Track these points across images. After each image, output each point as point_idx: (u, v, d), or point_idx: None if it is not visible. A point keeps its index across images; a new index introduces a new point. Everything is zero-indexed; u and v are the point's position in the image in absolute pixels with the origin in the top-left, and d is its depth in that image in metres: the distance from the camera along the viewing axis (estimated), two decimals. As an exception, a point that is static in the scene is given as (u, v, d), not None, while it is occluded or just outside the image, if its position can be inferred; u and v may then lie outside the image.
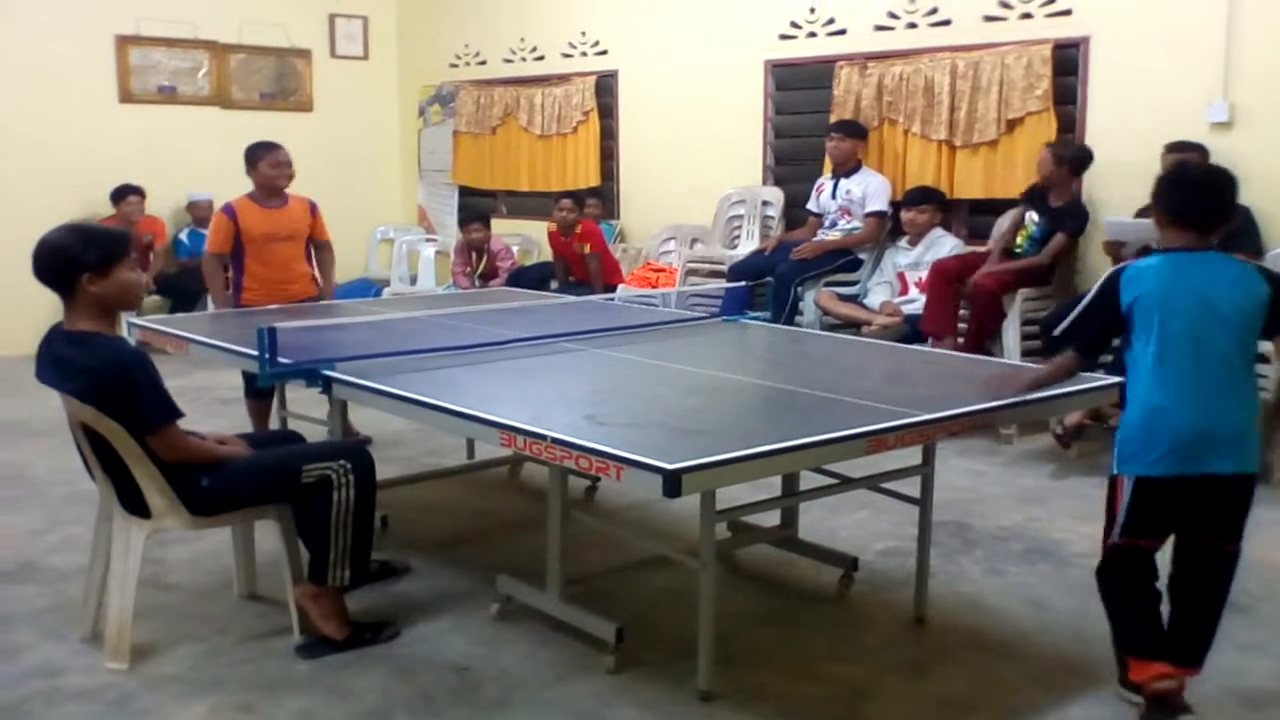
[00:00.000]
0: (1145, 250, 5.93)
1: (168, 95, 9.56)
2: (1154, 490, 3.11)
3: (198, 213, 9.41)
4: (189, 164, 9.46)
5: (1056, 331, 3.37)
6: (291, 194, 6.15)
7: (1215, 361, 3.07)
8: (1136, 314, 3.10)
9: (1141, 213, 5.93)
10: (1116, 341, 3.27)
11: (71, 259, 3.36)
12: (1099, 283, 3.22)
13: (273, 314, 5.09)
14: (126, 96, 9.36)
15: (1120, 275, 3.15)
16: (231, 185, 9.32)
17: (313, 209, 6.18)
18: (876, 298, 6.89)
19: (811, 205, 7.37)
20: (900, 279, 6.88)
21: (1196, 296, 3.07)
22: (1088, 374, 3.82)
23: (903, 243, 6.94)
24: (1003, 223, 6.62)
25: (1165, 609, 3.26)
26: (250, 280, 6.00)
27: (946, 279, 6.34)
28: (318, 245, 6.26)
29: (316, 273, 6.28)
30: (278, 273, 6.00)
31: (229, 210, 6.00)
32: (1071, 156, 6.31)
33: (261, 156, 5.99)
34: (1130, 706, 3.27)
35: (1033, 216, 6.42)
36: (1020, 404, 3.57)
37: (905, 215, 6.86)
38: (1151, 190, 3.27)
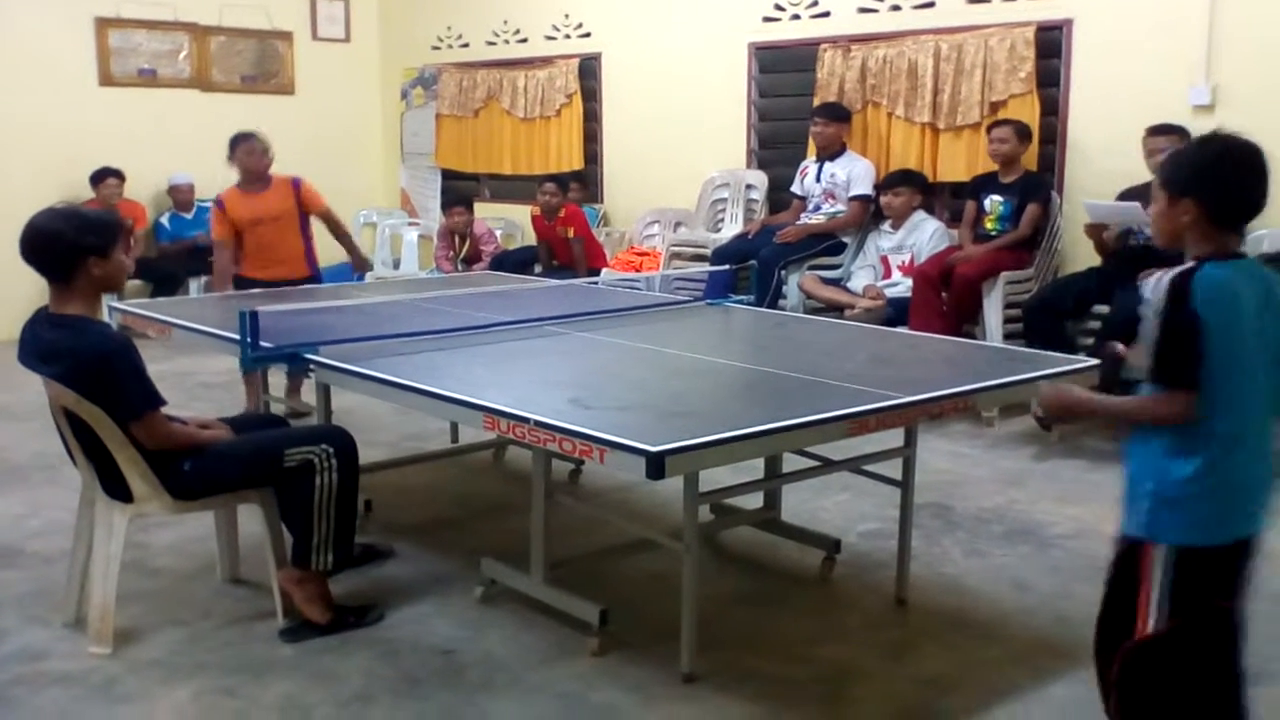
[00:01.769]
0: (1127, 233, 5.97)
1: (148, 78, 9.50)
2: (1209, 563, 2.47)
3: (178, 196, 9.37)
4: (169, 147, 9.41)
5: (1144, 375, 2.48)
6: (276, 175, 6.46)
7: (1272, 399, 2.47)
8: (1212, 337, 2.35)
9: (1124, 195, 5.96)
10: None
11: (75, 244, 3.36)
12: (1168, 301, 2.38)
13: (256, 298, 5.09)
14: (106, 79, 9.30)
15: (1189, 285, 2.37)
16: (212, 169, 9.31)
17: (295, 185, 6.46)
18: (860, 281, 6.90)
19: (795, 188, 7.38)
20: (884, 262, 6.89)
21: (1260, 319, 2.43)
22: (1067, 356, 3.83)
23: (885, 226, 6.95)
24: (970, 215, 6.64)
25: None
26: (245, 262, 6.42)
27: (930, 282, 6.36)
28: (321, 217, 6.56)
29: (314, 253, 6.60)
30: (266, 253, 6.36)
31: (219, 203, 6.46)
32: (1026, 133, 6.43)
33: (238, 147, 6.43)
34: None
35: (995, 199, 6.47)
36: (1001, 386, 3.59)
37: (884, 198, 6.88)
38: (1178, 176, 2.52)
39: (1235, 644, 2.52)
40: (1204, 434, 2.39)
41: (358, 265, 6.63)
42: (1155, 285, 2.43)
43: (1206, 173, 2.49)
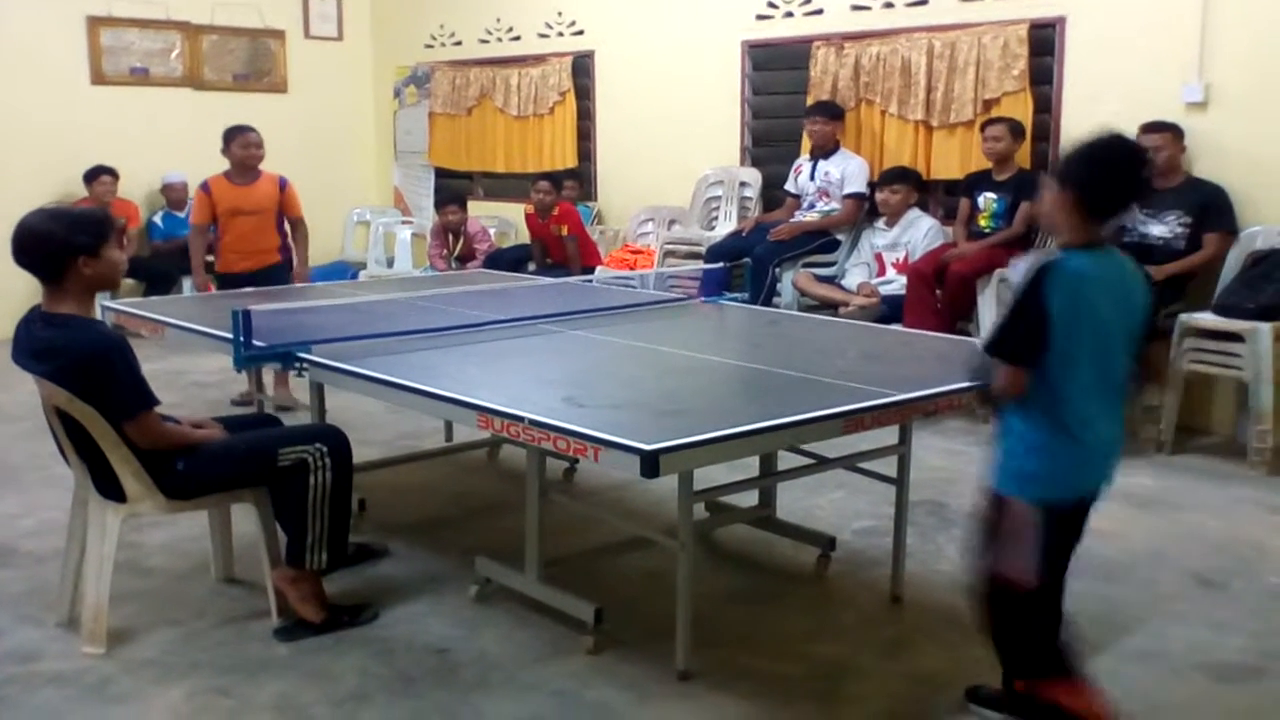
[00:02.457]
0: (1120, 230, 5.97)
1: (140, 77, 9.48)
2: (1066, 518, 2.87)
3: (171, 195, 9.34)
4: (162, 146, 9.39)
5: (985, 345, 2.87)
6: (265, 171, 6.68)
7: (1120, 376, 2.85)
8: (1059, 323, 2.69)
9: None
10: None
11: (64, 243, 3.35)
12: (1023, 285, 2.73)
13: (249, 296, 5.08)
14: (99, 78, 9.27)
15: (1048, 275, 2.70)
16: (205, 167, 9.28)
17: (282, 185, 6.71)
18: (854, 279, 6.90)
19: (790, 186, 7.38)
20: (878, 260, 6.89)
21: (1114, 306, 2.77)
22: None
23: (880, 224, 6.95)
24: (964, 213, 6.64)
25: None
26: (222, 248, 6.72)
27: (924, 280, 6.36)
28: (291, 221, 6.78)
29: (290, 246, 6.85)
30: (242, 243, 6.63)
31: (204, 187, 6.67)
32: (1020, 131, 6.43)
33: (234, 138, 6.62)
34: None
35: (989, 196, 6.47)
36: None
37: (880, 195, 6.87)
38: (1062, 169, 2.81)
39: (1063, 580, 2.95)
40: (1050, 409, 2.77)
41: (298, 277, 6.69)
42: (1018, 269, 2.81)
43: (1084, 168, 2.77)
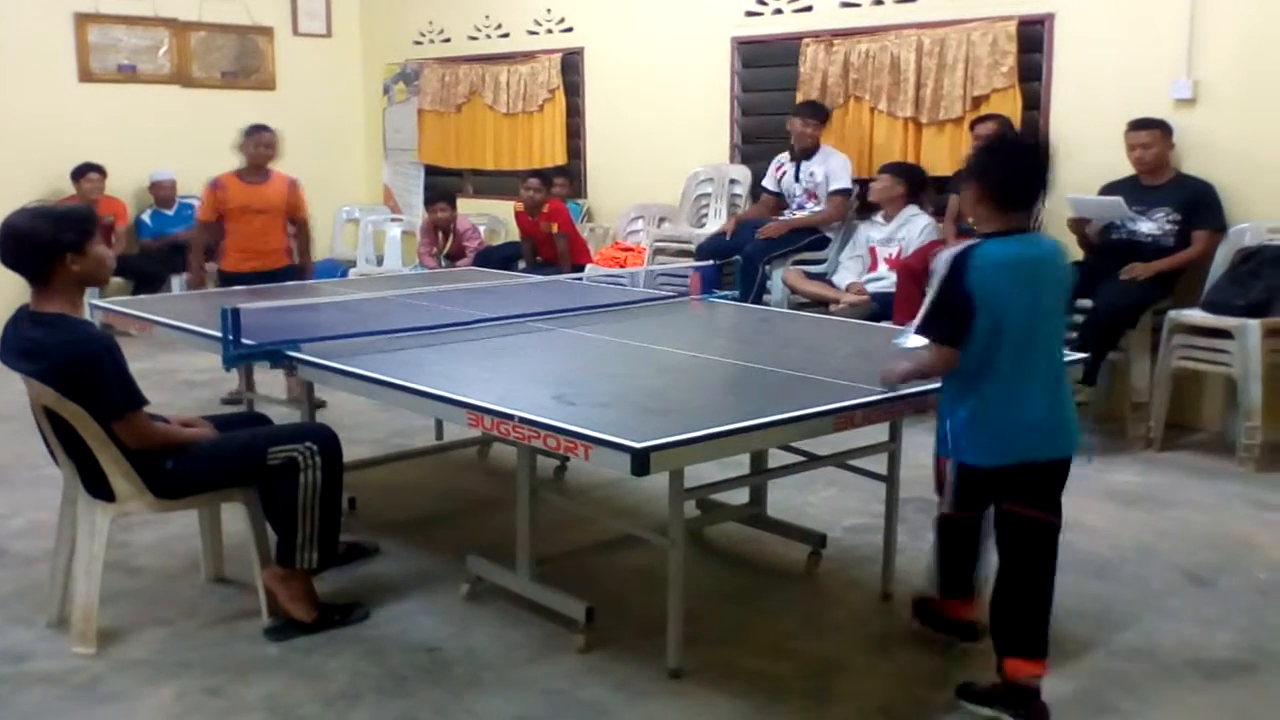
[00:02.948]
0: (1109, 227, 5.98)
1: (128, 74, 9.45)
2: (982, 476, 3.14)
3: (160, 193, 9.32)
4: (150, 144, 9.37)
5: (914, 328, 3.15)
6: (277, 171, 6.72)
7: (1054, 350, 3.11)
8: (980, 305, 2.93)
9: (1106, 189, 5.98)
10: None
11: (51, 241, 3.34)
12: (946, 271, 2.97)
13: (238, 294, 5.07)
14: (86, 75, 9.24)
15: (966, 262, 2.94)
16: (193, 164, 9.29)
17: (292, 186, 6.74)
18: (846, 275, 6.89)
19: (769, 183, 7.36)
20: (871, 253, 6.86)
21: (1035, 286, 3.00)
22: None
23: (878, 217, 6.90)
24: (954, 209, 6.64)
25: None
26: (229, 246, 6.68)
27: (913, 276, 6.35)
28: (297, 223, 6.82)
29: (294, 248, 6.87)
30: (252, 242, 6.59)
31: (215, 184, 6.65)
32: (1011, 129, 6.38)
33: (253, 136, 6.63)
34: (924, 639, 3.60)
35: None
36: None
37: (875, 185, 6.83)
38: (971, 166, 3.10)
39: (978, 527, 3.36)
40: (977, 383, 3.03)
41: (302, 274, 6.69)
42: (941, 258, 3.02)
43: (991, 163, 3.07)
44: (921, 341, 3.19)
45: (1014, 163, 3.08)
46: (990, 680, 3.18)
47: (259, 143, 6.59)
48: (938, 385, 3.31)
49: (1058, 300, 3.12)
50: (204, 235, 6.82)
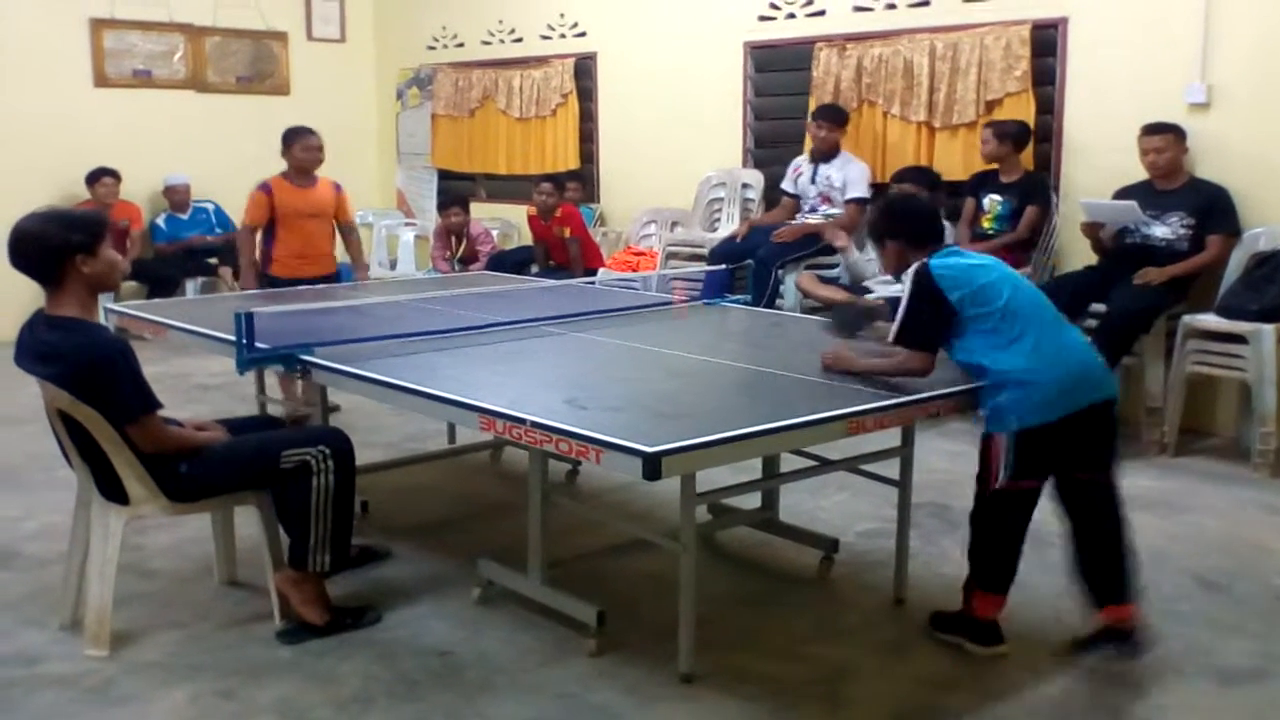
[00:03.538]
0: (1123, 232, 5.97)
1: (143, 79, 9.49)
2: (1042, 436, 3.35)
3: (174, 197, 9.35)
4: (165, 148, 9.40)
5: (890, 339, 3.52)
6: (319, 175, 6.60)
7: (1045, 312, 3.47)
8: (972, 305, 3.36)
9: (1120, 194, 5.96)
10: None
11: (62, 244, 3.35)
12: (914, 285, 3.42)
13: (253, 299, 5.09)
14: (101, 80, 9.28)
15: (934, 276, 3.39)
16: (207, 169, 9.34)
17: (338, 190, 6.63)
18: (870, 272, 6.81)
19: (787, 186, 7.36)
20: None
21: (991, 265, 3.50)
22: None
23: None
24: (968, 213, 6.63)
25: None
26: (280, 251, 6.45)
27: None
28: (344, 227, 6.71)
29: (339, 253, 6.72)
30: (306, 247, 6.45)
31: (265, 188, 6.42)
32: (1014, 132, 6.38)
33: (296, 140, 6.45)
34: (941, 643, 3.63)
35: (994, 198, 6.45)
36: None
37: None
38: (883, 225, 3.64)
39: (1032, 504, 3.49)
40: (1013, 354, 3.33)
41: (360, 278, 6.65)
42: (905, 276, 3.48)
43: (904, 219, 3.63)
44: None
45: (915, 215, 3.67)
46: (1093, 628, 3.50)
47: (306, 146, 6.43)
48: (953, 389, 3.32)
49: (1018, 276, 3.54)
50: (251, 240, 6.52)
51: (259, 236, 6.49)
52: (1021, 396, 3.32)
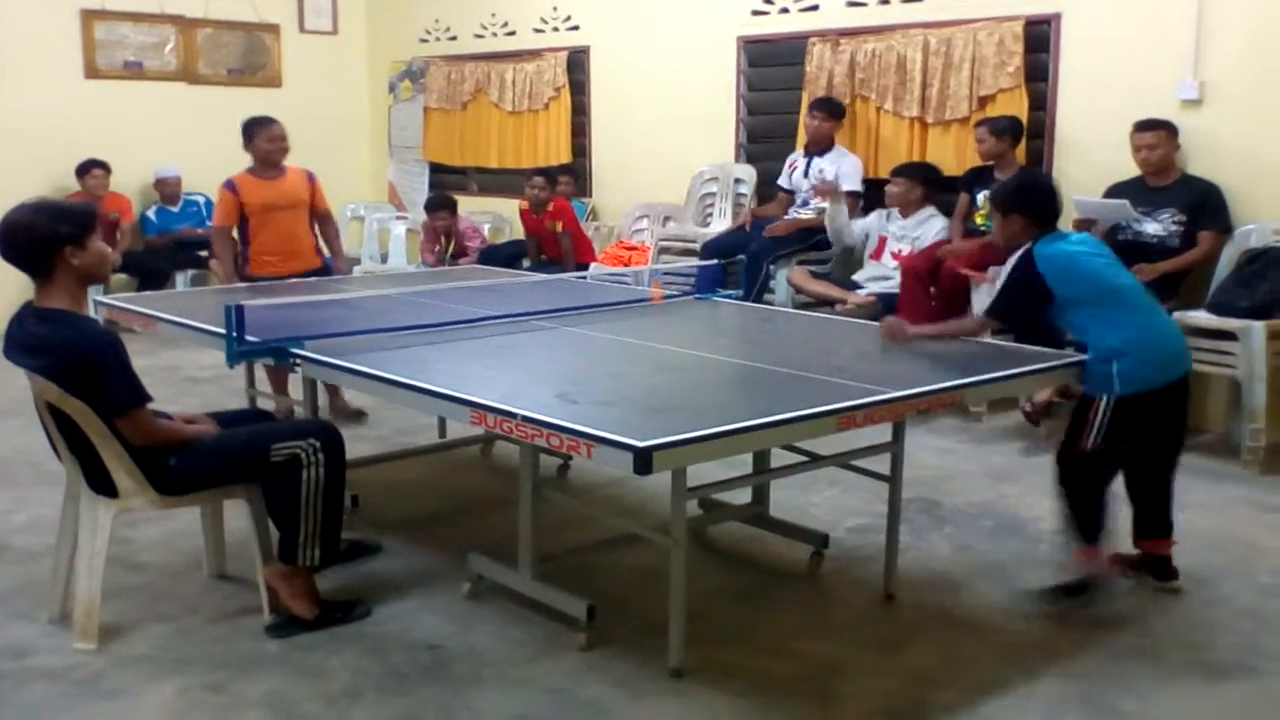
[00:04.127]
0: (1115, 229, 5.97)
1: (134, 70, 9.46)
2: (1140, 402, 3.74)
3: (165, 189, 9.33)
4: (156, 140, 9.39)
5: (987, 310, 4.06)
6: (289, 165, 6.28)
7: (1137, 295, 3.88)
8: (1071, 287, 3.77)
9: (1112, 190, 5.97)
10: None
11: (50, 235, 3.33)
12: (1018, 267, 3.83)
13: (241, 292, 5.07)
14: (92, 72, 9.25)
15: (1037, 261, 3.77)
16: (198, 161, 9.30)
17: (310, 179, 6.31)
18: (865, 273, 6.83)
19: (783, 181, 7.37)
20: (881, 242, 6.80)
21: (1096, 255, 3.89)
22: (1055, 350, 3.87)
23: (895, 211, 6.85)
24: (962, 208, 6.62)
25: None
26: (257, 250, 6.14)
27: (917, 277, 6.34)
28: (320, 216, 6.39)
29: (322, 245, 6.48)
30: (284, 242, 6.14)
31: (230, 185, 6.13)
32: (1009, 129, 6.37)
33: (258, 131, 6.14)
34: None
35: (988, 195, 6.43)
36: (989, 381, 3.61)
37: (892, 189, 6.80)
38: (1013, 199, 3.92)
39: (1118, 464, 3.89)
40: (1128, 329, 3.74)
41: (339, 269, 6.43)
42: (1014, 256, 3.89)
43: (1026, 195, 3.94)
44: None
45: (1047, 192, 4.01)
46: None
47: (269, 137, 6.10)
48: (943, 386, 3.33)
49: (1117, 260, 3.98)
50: (225, 241, 6.19)
51: (236, 235, 6.21)
52: (1124, 369, 3.69)
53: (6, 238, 3.35)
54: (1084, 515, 3.82)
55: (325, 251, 6.50)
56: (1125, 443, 3.78)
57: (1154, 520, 4.03)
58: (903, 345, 4.04)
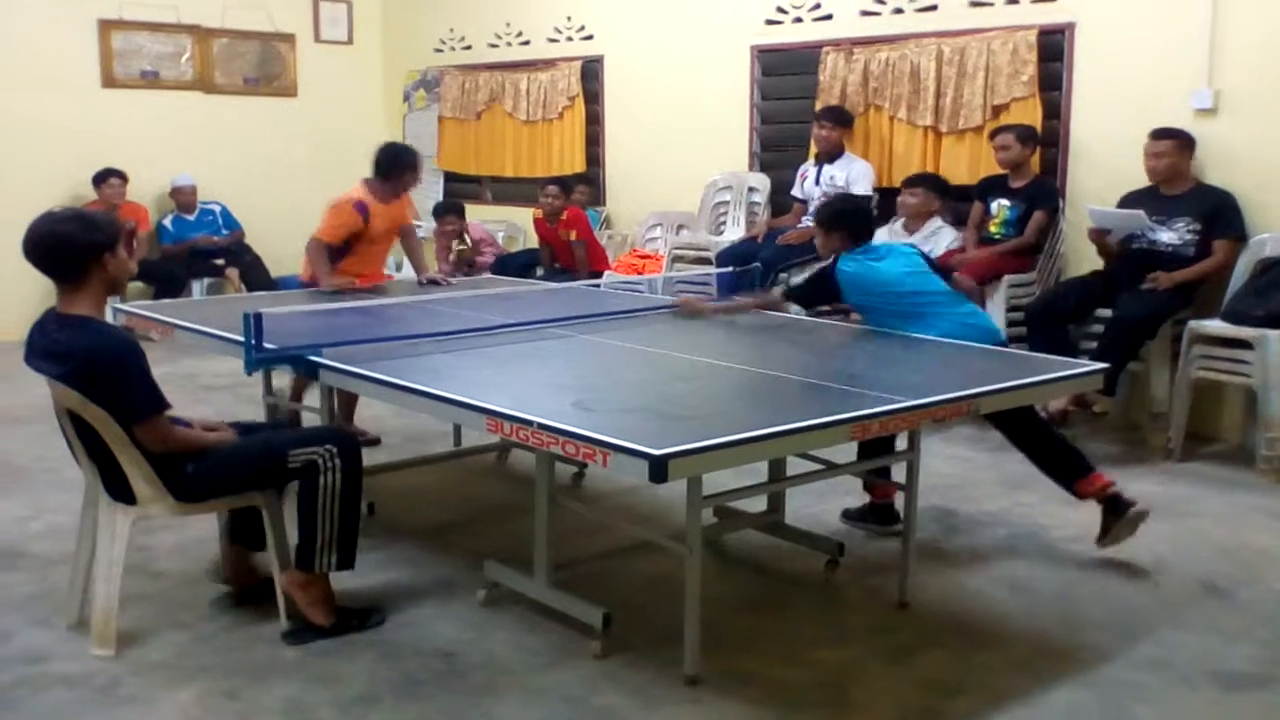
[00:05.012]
0: (1129, 238, 5.97)
1: (151, 80, 9.51)
2: None
3: (180, 198, 9.37)
4: (172, 149, 9.44)
5: (786, 292, 4.95)
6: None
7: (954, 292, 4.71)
8: (868, 296, 4.55)
9: (1126, 199, 5.97)
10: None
11: (89, 242, 3.37)
12: (821, 270, 4.63)
13: (261, 299, 5.09)
14: (109, 81, 9.31)
15: (837, 270, 4.48)
16: (214, 170, 9.34)
17: (407, 197, 6.10)
18: None
19: (796, 191, 7.38)
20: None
21: (909, 266, 4.58)
22: (1070, 359, 3.86)
23: (897, 225, 6.86)
24: (976, 216, 6.62)
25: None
26: (342, 267, 5.73)
27: None
28: (405, 231, 6.17)
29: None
30: (368, 264, 5.90)
31: (363, 209, 5.66)
32: (1030, 136, 6.38)
33: (417, 165, 5.89)
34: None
35: (1003, 203, 6.44)
36: (1004, 390, 3.61)
37: (900, 197, 6.81)
38: (838, 220, 4.60)
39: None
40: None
41: (427, 280, 6.06)
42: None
43: (846, 216, 4.64)
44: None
45: (859, 213, 4.76)
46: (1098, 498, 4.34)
47: (417, 175, 5.89)
48: (959, 395, 3.34)
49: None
50: (324, 255, 5.64)
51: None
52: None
53: (42, 247, 3.37)
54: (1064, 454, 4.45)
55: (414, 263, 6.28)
56: None
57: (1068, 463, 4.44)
58: (696, 318, 4.80)
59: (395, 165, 5.79)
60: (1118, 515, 4.31)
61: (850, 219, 4.61)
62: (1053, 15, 6.47)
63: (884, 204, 7.05)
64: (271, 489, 3.67)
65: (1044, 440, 4.46)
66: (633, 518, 4.67)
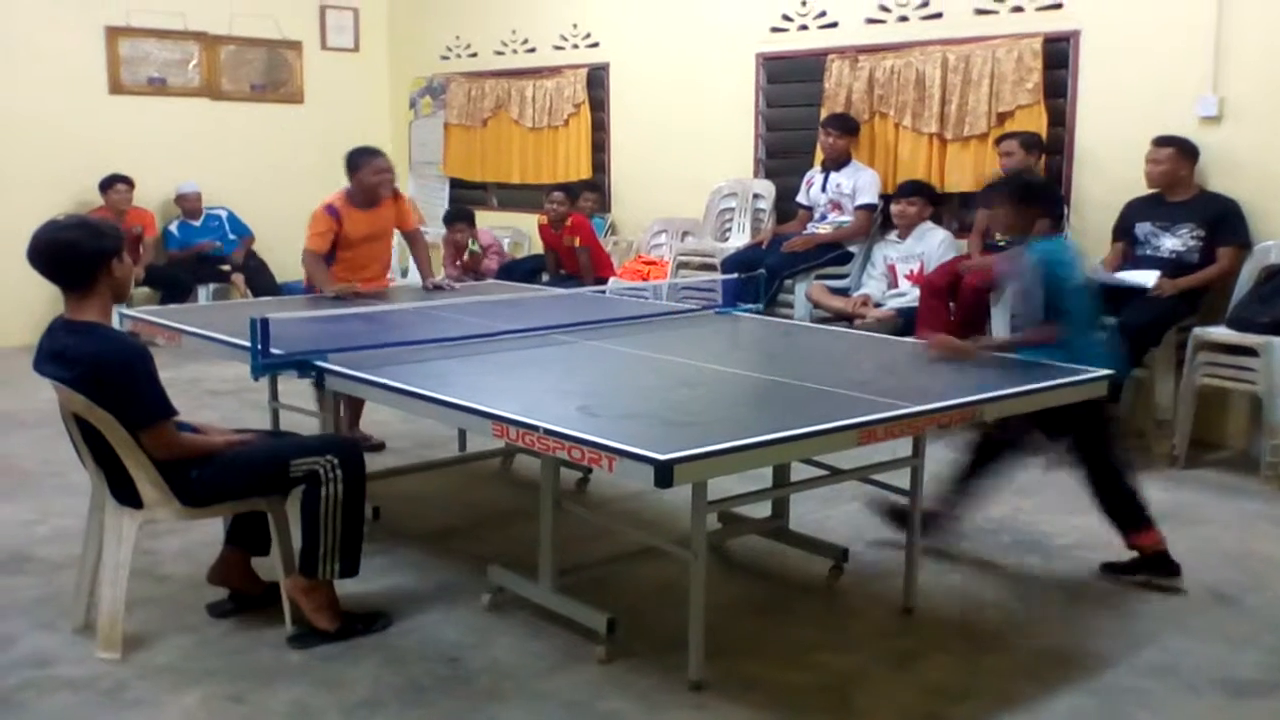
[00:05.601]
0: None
1: (158, 86, 9.54)
2: None
3: (186, 205, 9.40)
4: (179, 156, 9.47)
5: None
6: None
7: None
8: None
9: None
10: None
11: (98, 249, 3.39)
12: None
13: (267, 305, 5.10)
14: (116, 88, 9.34)
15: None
16: (220, 177, 9.37)
17: (397, 200, 6.09)
18: (871, 290, 6.87)
19: (801, 198, 7.39)
20: (891, 271, 6.89)
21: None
22: (1075, 366, 3.87)
23: (892, 235, 6.94)
24: (981, 223, 6.62)
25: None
26: (335, 272, 5.78)
27: (936, 292, 6.35)
28: (408, 237, 6.22)
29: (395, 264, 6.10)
30: (358, 272, 5.89)
31: (332, 210, 5.78)
32: (1035, 143, 6.38)
33: (364, 163, 5.88)
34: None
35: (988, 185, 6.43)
36: (1009, 396, 3.61)
37: (895, 207, 6.87)
38: (1025, 194, 4.18)
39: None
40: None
41: (428, 284, 6.12)
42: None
43: (1046, 191, 4.43)
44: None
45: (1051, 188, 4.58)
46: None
47: (375, 169, 5.83)
48: (963, 400, 3.33)
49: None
50: (320, 263, 5.73)
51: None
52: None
53: (50, 253, 3.39)
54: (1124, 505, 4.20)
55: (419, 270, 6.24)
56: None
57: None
58: (963, 360, 4.07)
59: (349, 165, 5.88)
60: (1155, 573, 4.15)
61: (1051, 195, 4.23)
62: (1058, 23, 6.48)
63: (887, 211, 7.06)
64: (276, 495, 3.68)
65: (1115, 484, 4.17)
66: (637, 523, 4.67)
